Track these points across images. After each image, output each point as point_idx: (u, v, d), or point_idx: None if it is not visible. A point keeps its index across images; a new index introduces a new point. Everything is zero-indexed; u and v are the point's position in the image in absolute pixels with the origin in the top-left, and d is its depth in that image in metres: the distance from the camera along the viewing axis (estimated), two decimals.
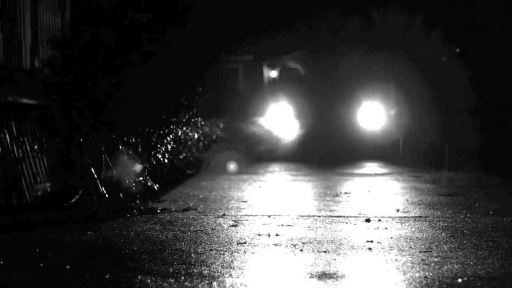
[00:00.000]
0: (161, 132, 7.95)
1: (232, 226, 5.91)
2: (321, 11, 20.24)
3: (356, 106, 19.59)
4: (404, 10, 15.99)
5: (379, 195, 8.17)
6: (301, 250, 4.82)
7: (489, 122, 13.23)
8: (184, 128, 9.08)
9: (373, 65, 19.20)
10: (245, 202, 7.60)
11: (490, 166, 11.48)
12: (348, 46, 19.92)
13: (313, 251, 4.78)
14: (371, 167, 12.97)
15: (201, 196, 8.08)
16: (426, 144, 16.52)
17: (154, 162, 7.90)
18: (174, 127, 8.33)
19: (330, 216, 6.50)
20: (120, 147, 7.42)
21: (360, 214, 6.60)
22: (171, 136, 8.23)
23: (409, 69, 17.59)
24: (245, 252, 4.76)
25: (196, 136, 10.62)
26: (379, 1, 17.56)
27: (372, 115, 19.33)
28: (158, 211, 6.77)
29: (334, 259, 4.52)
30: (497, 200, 7.62)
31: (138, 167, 7.55)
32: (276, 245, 5.03)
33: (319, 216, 6.47)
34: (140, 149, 7.66)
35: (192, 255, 4.65)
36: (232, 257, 4.59)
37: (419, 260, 4.46)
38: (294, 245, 5.00)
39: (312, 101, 20.04)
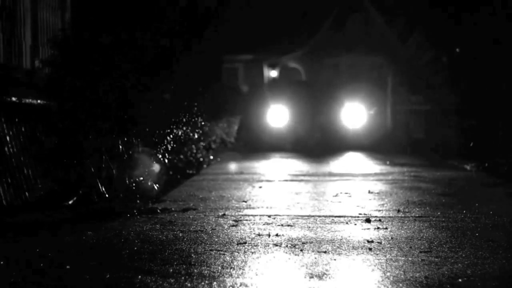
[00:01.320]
0: (161, 132, 7.94)
1: (232, 226, 5.91)
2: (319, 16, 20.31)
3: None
4: (387, 12, 16.12)
5: (379, 195, 8.17)
6: (301, 250, 4.82)
7: (476, 124, 13.32)
8: (184, 128, 9.07)
9: (368, 67, 19.43)
10: (245, 202, 7.60)
11: (486, 165, 11.47)
12: (344, 49, 20.05)
13: (313, 251, 4.78)
14: (371, 166, 12.97)
15: (201, 196, 8.08)
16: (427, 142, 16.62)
17: (155, 162, 7.89)
18: (174, 127, 8.33)
19: (330, 216, 6.50)
20: (120, 147, 7.42)
21: (360, 214, 6.60)
22: (171, 136, 8.23)
23: (409, 71, 17.70)
24: (245, 252, 4.76)
25: (196, 136, 10.61)
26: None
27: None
28: (158, 211, 6.77)
29: (335, 259, 4.52)
30: (497, 200, 7.63)
31: (138, 167, 7.54)
32: (276, 245, 5.03)
33: (319, 216, 6.47)
34: (140, 149, 7.65)
35: (192, 255, 4.66)
36: (232, 257, 4.59)
37: (419, 260, 4.46)
38: (294, 245, 5.00)
39: (311, 100, 20.13)
